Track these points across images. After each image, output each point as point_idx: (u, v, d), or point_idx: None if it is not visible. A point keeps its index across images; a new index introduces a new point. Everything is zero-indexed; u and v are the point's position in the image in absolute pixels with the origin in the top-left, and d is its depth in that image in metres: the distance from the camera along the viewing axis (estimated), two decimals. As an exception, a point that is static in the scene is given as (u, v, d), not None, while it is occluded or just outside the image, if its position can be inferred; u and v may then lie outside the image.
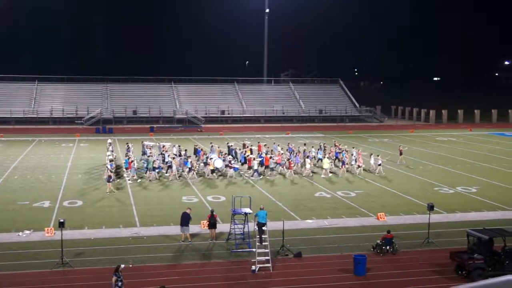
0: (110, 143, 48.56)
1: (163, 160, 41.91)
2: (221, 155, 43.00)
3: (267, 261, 22.27)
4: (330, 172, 41.60)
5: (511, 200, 34.16)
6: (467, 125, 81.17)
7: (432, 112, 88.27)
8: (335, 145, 47.83)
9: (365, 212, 31.02)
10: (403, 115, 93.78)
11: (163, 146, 46.63)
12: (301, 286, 20.61)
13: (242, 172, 41.64)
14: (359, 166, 42.09)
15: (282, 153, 44.47)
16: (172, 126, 76.96)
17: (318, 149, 46.08)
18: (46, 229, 26.42)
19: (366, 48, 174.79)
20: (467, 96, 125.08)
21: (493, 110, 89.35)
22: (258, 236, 23.17)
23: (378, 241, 24.41)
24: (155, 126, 73.79)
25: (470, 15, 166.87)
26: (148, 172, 39.59)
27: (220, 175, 40.57)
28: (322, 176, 40.91)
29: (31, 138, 62.50)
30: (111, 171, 36.95)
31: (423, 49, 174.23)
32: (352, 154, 43.53)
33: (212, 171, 39.93)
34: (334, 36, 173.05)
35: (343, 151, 44.74)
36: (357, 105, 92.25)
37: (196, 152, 45.58)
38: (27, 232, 26.44)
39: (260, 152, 44.41)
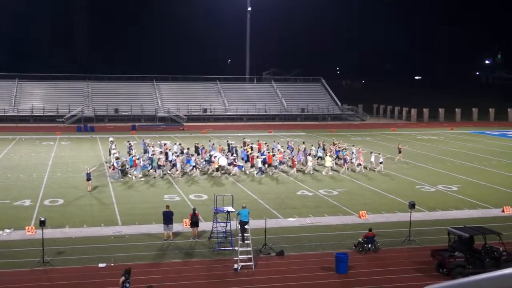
0: (112, 141, 48.39)
1: (166, 158, 41.98)
2: (224, 153, 43.27)
3: (249, 260, 22.27)
4: (332, 170, 41.97)
5: (491, 198, 34.53)
6: (448, 124, 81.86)
7: (413, 111, 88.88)
8: (334, 144, 48.21)
9: (347, 211, 31.15)
10: (384, 114, 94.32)
11: (165, 144, 46.48)
12: (283, 285, 20.64)
13: (248, 171, 41.75)
14: (360, 164, 42.47)
15: (284, 151, 44.78)
16: (154, 124, 76.65)
17: (318, 147, 46.54)
18: (27, 227, 26.15)
19: (348, 47, 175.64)
20: (448, 95, 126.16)
21: (473, 109, 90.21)
22: (240, 235, 23.15)
23: (360, 239, 24.52)
24: (137, 124, 73.40)
25: (453, 14, 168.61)
26: (152, 170, 39.81)
27: (224, 173, 40.69)
28: (324, 173, 41.25)
29: (12, 136, 61.81)
30: (117, 169, 37.88)
31: (404, 48, 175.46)
32: (352, 152, 44.04)
33: (217, 169, 40.13)
34: (316, 35, 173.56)
35: (343, 149, 45.22)
36: (339, 103, 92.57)
37: (197, 150, 45.57)
38: (8, 231, 26.17)
39: (262, 150, 44.57)
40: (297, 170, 41.59)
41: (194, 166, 40.13)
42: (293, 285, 20.62)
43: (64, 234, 26.02)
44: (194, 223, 25.50)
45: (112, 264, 22.05)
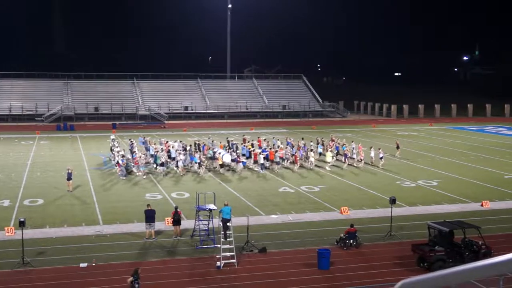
0: (113, 139, 48.11)
1: (169, 156, 42.06)
2: (225, 149, 43.71)
3: (232, 257, 22.28)
4: (333, 165, 42.74)
5: (470, 193, 34.92)
6: (428, 120, 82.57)
7: (393, 107, 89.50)
8: (332, 139, 49.25)
9: (328, 207, 31.29)
10: (365, 110, 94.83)
11: (166, 142, 46.49)
12: (266, 281, 20.69)
13: (252, 166, 42.25)
14: (361, 159, 43.24)
15: (286, 147, 45.26)
16: (135, 122, 76.25)
17: (318, 144, 47.30)
18: (6, 228, 25.85)
19: (328, 44, 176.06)
20: (428, 91, 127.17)
21: (452, 105, 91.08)
22: (222, 232, 23.16)
23: (342, 235, 24.65)
24: (117, 122, 72.90)
25: (431, 12, 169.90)
26: (157, 167, 40.10)
27: (228, 170, 40.95)
28: (327, 168, 41.95)
29: (-10, 136, 61.06)
30: (123, 166, 38.14)
31: (384, 45, 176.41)
32: (352, 148, 44.79)
33: (221, 166, 40.42)
34: (297, 32, 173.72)
35: (343, 144, 46.04)
36: (320, 100, 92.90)
37: (198, 147, 45.64)
38: (-14, 232, 25.87)
39: (263, 147, 44.97)
40: (300, 166, 42.23)
41: (199, 163, 40.21)
42: (275, 282, 20.67)
43: (44, 234, 25.79)
44: (176, 221, 25.45)
45: (94, 264, 21.91)
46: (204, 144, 45.31)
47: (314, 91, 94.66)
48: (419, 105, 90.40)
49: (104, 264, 22.04)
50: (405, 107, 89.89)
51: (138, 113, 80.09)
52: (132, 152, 42.24)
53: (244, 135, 54.49)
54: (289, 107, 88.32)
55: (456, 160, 47.01)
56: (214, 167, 41.30)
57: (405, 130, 69.43)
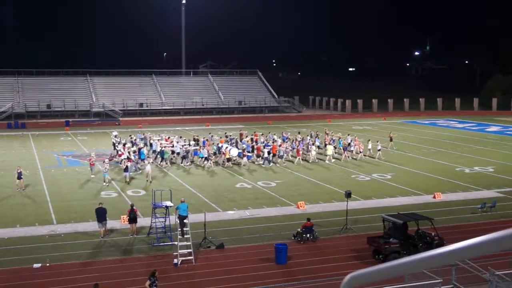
0: (116, 135, 47.26)
1: (172, 152, 42.53)
2: (228, 144, 44.50)
3: (189, 254, 22.22)
4: (333, 158, 43.86)
5: (423, 185, 35.67)
6: (381, 114, 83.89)
7: (348, 102, 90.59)
8: (326, 133, 50.66)
9: (285, 202, 31.48)
10: (320, 105, 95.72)
11: (168, 138, 47.11)
12: (224, 277, 20.69)
13: (256, 161, 42.99)
14: (360, 152, 44.64)
15: (286, 142, 46.25)
16: (89, 120, 74.99)
17: (316, 137, 48.37)
18: (-45, 230, 25.14)
19: (284, 40, 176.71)
20: (381, 86, 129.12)
21: (405, 99, 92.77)
22: (179, 229, 23.05)
23: (299, 230, 24.84)
24: (70, 120, 71.52)
25: (381, 8, 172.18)
26: (164, 161, 40.86)
27: (234, 164, 41.53)
28: (327, 161, 42.95)
29: None
30: (134, 162, 38.11)
31: (337, 40, 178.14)
32: (349, 142, 45.72)
33: (228, 160, 41.06)
34: (252, 27, 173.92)
35: (339, 138, 47.34)
36: (276, 96, 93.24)
37: (197, 142, 45.62)
38: None
39: (266, 141, 45.69)
40: (302, 159, 43.09)
41: (206, 158, 40.76)
42: (233, 278, 20.70)
43: (-4, 235, 25.16)
44: (132, 219, 25.18)
45: (48, 264, 21.50)
46: (206, 139, 45.58)
47: (269, 87, 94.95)
48: (373, 100, 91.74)
49: (58, 264, 21.65)
50: (359, 101, 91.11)
51: (92, 110, 78.78)
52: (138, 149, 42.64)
53: (240, 130, 54.86)
54: (245, 103, 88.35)
55: (409, 153, 47.92)
56: (223, 163, 41.68)
57: (360, 125, 70.37)
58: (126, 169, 36.08)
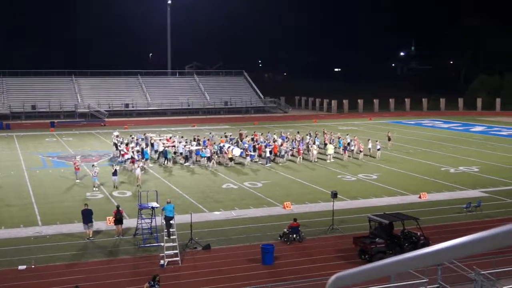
0: (117, 135, 46.94)
1: (174, 152, 42.73)
2: (229, 143, 44.81)
3: (175, 255, 22.16)
4: (333, 157, 44.21)
5: (408, 185, 35.86)
6: (367, 114, 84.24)
7: (334, 102, 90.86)
8: (325, 133, 51.35)
9: (271, 202, 31.49)
10: (306, 106, 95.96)
11: (170, 138, 47.08)
12: (210, 278, 20.65)
13: (255, 160, 43.20)
14: (360, 151, 44.93)
15: (287, 141, 46.68)
16: (74, 121, 74.53)
17: (315, 137, 48.70)
18: None
19: (269, 41, 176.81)
20: (366, 86, 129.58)
21: (390, 100, 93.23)
22: (165, 230, 22.98)
23: (285, 230, 24.85)
24: (56, 121, 71.05)
25: (367, 8, 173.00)
26: (167, 161, 41.04)
27: (236, 163, 41.75)
28: (328, 161, 43.29)
29: None
30: (140, 161, 38.01)
31: (323, 41, 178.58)
32: (349, 142, 46.10)
33: (231, 159, 41.25)
34: (238, 28, 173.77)
35: (339, 137, 47.82)
36: (262, 96, 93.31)
37: (198, 142, 45.47)
38: None
39: (267, 141, 45.90)
40: (303, 159, 43.46)
41: (209, 158, 40.88)
42: (220, 278, 20.67)
43: (-20, 237, 24.92)
44: (118, 220, 25.06)
45: (33, 266, 21.33)
46: (207, 140, 45.68)
47: (255, 87, 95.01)
48: (359, 100, 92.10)
49: (44, 266, 21.48)
50: (345, 102, 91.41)
51: (77, 111, 78.32)
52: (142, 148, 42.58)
53: (240, 129, 54.83)
54: (231, 103, 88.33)
55: (395, 153, 48.13)
56: (227, 164, 41.71)
57: (346, 125, 70.59)
58: (115, 173, 34.42)
